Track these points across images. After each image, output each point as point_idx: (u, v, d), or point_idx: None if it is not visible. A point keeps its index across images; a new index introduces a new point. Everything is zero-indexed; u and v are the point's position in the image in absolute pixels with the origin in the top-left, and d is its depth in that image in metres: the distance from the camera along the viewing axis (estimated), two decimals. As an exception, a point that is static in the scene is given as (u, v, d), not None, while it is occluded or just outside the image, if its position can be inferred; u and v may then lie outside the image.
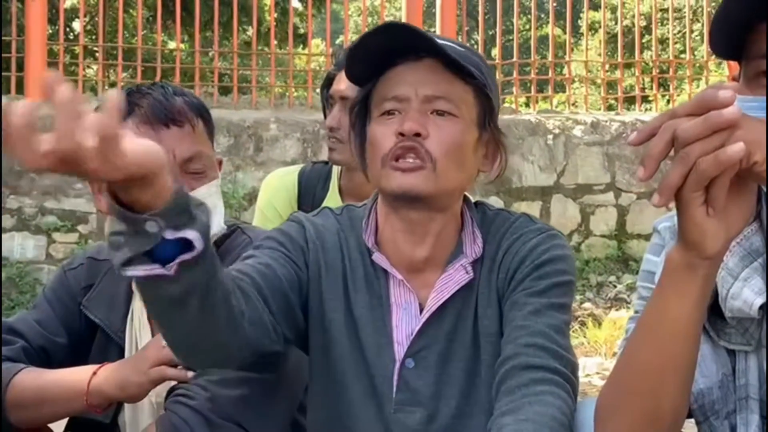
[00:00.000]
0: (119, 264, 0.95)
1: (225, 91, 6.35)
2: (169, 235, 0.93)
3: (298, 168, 2.18)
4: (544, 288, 1.29)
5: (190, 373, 1.33)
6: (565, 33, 6.94)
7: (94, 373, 1.38)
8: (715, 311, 1.07)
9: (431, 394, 1.31)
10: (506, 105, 6.46)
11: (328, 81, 2.06)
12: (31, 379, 1.39)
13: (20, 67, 5.74)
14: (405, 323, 1.33)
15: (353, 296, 1.34)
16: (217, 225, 1.46)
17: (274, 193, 2.13)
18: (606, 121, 6.00)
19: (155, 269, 0.95)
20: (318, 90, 2.36)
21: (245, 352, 1.17)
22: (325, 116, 2.08)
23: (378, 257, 1.34)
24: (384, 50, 1.30)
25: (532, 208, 5.79)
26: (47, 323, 1.51)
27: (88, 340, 1.53)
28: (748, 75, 1.02)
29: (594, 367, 4.22)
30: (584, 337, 4.60)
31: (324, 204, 2.08)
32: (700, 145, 0.86)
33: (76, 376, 1.38)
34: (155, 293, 1.01)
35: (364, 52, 1.31)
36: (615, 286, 5.54)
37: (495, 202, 5.66)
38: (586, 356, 4.38)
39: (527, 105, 7.08)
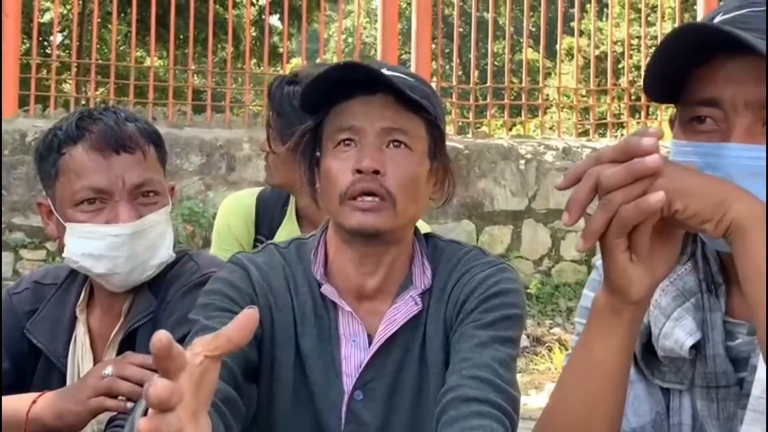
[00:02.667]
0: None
1: (199, 109, 6.34)
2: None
3: (257, 191, 2.17)
4: (492, 321, 1.29)
5: (129, 404, 1.31)
6: (540, 58, 7.00)
7: (34, 402, 1.35)
8: (649, 349, 1.08)
9: (379, 426, 1.30)
10: (480, 129, 6.50)
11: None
12: None
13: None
14: (353, 355, 1.32)
15: (301, 331, 1.33)
16: (165, 252, 1.46)
17: (231, 216, 2.12)
18: (577, 147, 6.04)
19: None
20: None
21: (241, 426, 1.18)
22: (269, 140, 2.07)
23: (327, 289, 1.33)
24: (338, 82, 1.31)
25: (504, 233, 5.81)
26: (-11, 348, 1.49)
27: (31, 364, 1.51)
28: (683, 119, 1.02)
29: (560, 393, 4.22)
30: (551, 362, 4.61)
31: (281, 228, 2.08)
32: (622, 192, 0.87)
33: (16, 404, 1.36)
34: None
35: (317, 87, 1.32)
36: (584, 312, 5.57)
37: (466, 225, 5.68)
38: (553, 381, 4.38)
39: (502, 127, 7.12)
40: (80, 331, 1.49)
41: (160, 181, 1.46)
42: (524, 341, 5.03)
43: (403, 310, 1.33)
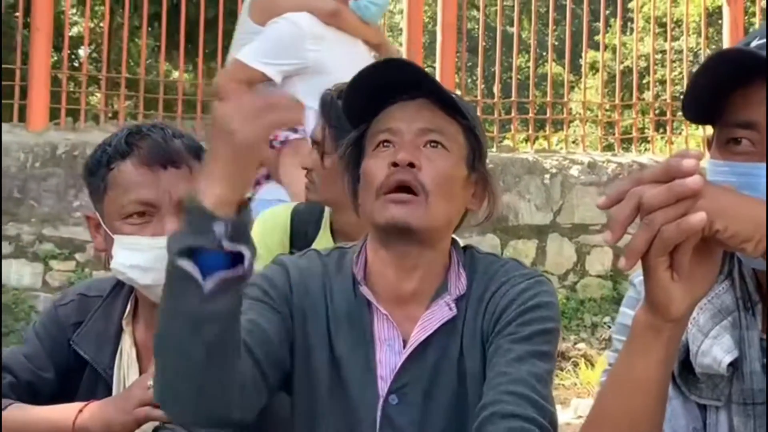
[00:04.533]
0: (175, 251, 1.02)
1: (226, 122, 6.40)
2: (227, 244, 1.00)
3: (292, 206, 2.21)
4: (529, 335, 1.32)
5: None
6: (564, 72, 7.01)
7: (80, 411, 1.40)
8: (686, 366, 1.10)
9: (415, 431, 1.33)
10: (504, 143, 6.52)
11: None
12: (18, 415, 1.41)
13: (23, 95, 5.79)
14: (388, 359, 1.35)
15: (335, 336, 1.36)
16: None
17: (267, 231, 2.16)
18: (603, 162, 6.04)
19: (196, 272, 1.02)
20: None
21: (246, 414, 1.20)
22: None
23: (364, 290, 1.37)
24: (379, 87, 1.35)
25: (528, 247, 5.82)
26: (35, 358, 1.53)
27: (77, 376, 1.55)
28: (720, 140, 1.05)
29: (586, 409, 4.21)
30: (577, 378, 4.60)
31: (315, 243, 2.11)
32: (663, 213, 0.89)
33: (63, 413, 1.40)
34: (179, 304, 1.06)
35: (360, 90, 1.37)
36: (609, 327, 5.54)
37: (491, 240, 5.69)
38: (578, 397, 4.38)
39: (526, 141, 7.13)
40: (126, 343, 1.54)
41: None
42: (549, 355, 5.02)
43: (437, 314, 1.36)
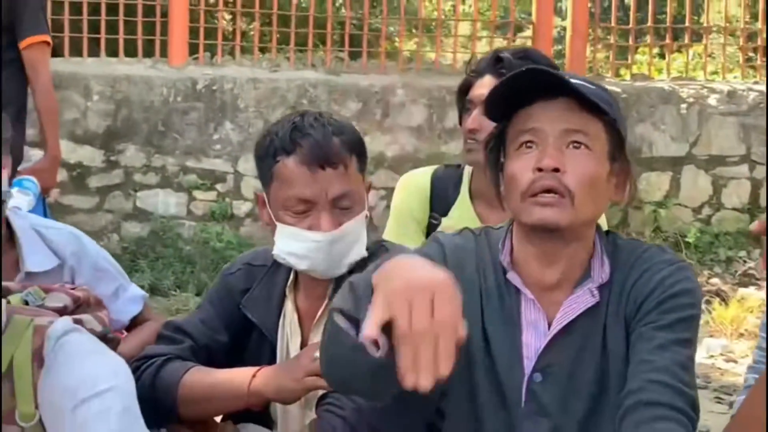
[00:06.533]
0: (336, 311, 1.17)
1: (356, 55, 6.45)
2: None
3: (431, 170, 2.29)
4: (671, 322, 1.36)
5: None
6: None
7: (254, 376, 1.55)
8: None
9: (558, 407, 1.41)
10: (637, 71, 6.30)
11: (466, 86, 2.15)
12: (200, 379, 1.58)
13: (164, 31, 6.01)
14: (534, 340, 1.43)
15: (487, 312, 1.45)
16: (357, 254, 1.62)
17: (409, 194, 2.25)
18: (743, 91, 5.79)
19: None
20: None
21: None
22: (461, 120, 2.17)
23: (512, 276, 1.44)
24: (521, 89, 1.39)
25: (662, 179, 5.70)
26: (210, 322, 1.70)
27: (245, 339, 1.71)
28: None
29: (718, 349, 4.18)
30: (710, 315, 4.54)
31: (455, 205, 2.20)
32: None
33: (238, 377, 1.56)
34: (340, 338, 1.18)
35: (502, 89, 1.41)
36: (745, 262, 5.42)
37: (623, 172, 5.59)
38: (711, 336, 4.34)
39: (661, 56, 6.79)
40: (289, 309, 1.68)
41: (358, 191, 1.63)
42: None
43: (580, 300, 1.42)
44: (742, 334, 4.37)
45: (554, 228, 1.37)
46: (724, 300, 4.78)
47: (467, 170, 2.21)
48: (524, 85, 1.38)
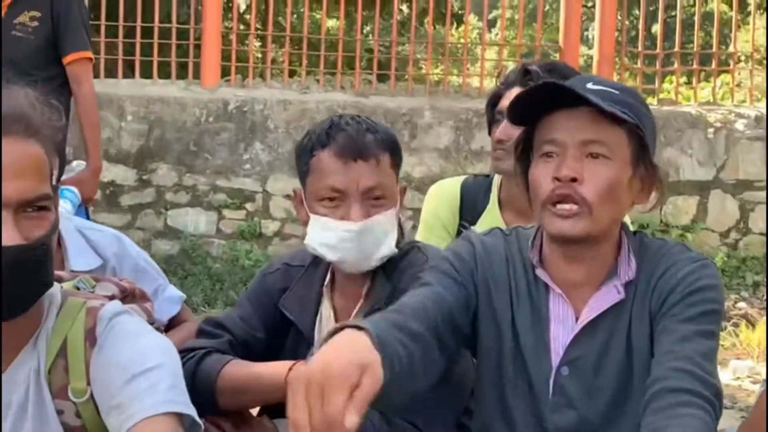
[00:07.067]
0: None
1: (383, 78, 6.55)
2: None
3: (461, 180, 2.34)
4: (694, 315, 1.41)
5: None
6: (731, 10, 6.68)
7: (290, 369, 1.60)
8: None
9: (583, 400, 1.46)
10: (664, 96, 6.34)
11: (496, 98, 2.21)
12: (238, 370, 1.63)
13: (197, 53, 6.14)
14: (561, 334, 1.49)
15: (516, 308, 1.51)
16: (387, 249, 1.67)
17: (439, 202, 2.31)
18: (771, 116, 5.79)
19: None
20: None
21: (431, 380, 1.37)
22: (490, 131, 2.22)
23: (541, 272, 1.50)
24: (543, 99, 1.45)
25: (689, 203, 5.71)
26: (249, 319, 1.75)
27: (283, 336, 1.76)
28: None
29: (745, 371, 4.17)
30: (736, 338, 4.53)
31: (485, 214, 2.25)
32: None
33: (275, 371, 1.61)
34: None
35: (524, 101, 1.47)
36: (773, 287, 5.39)
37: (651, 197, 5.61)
38: (738, 359, 4.33)
39: (688, 84, 6.83)
40: (326, 307, 1.74)
41: (389, 185, 1.68)
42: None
43: (607, 297, 1.47)
44: (768, 357, 4.35)
45: (572, 239, 1.43)
46: (752, 323, 4.76)
47: (496, 179, 2.27)
48: (546, 95, 1.44)
